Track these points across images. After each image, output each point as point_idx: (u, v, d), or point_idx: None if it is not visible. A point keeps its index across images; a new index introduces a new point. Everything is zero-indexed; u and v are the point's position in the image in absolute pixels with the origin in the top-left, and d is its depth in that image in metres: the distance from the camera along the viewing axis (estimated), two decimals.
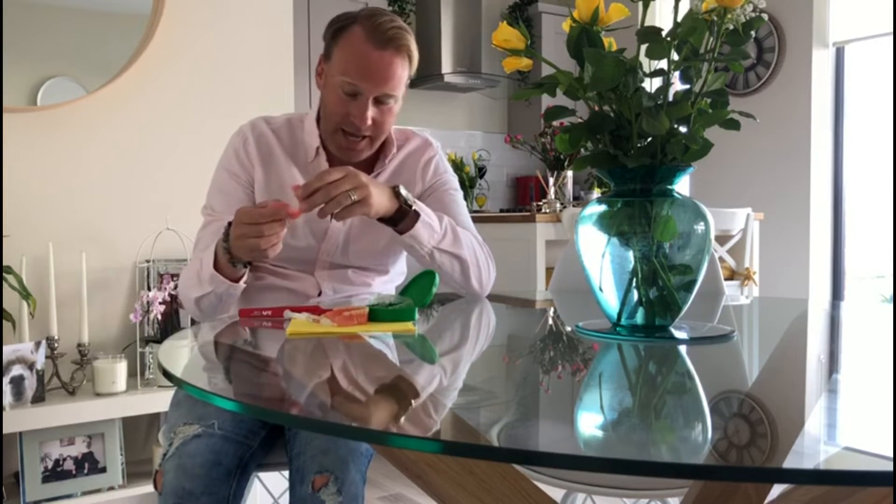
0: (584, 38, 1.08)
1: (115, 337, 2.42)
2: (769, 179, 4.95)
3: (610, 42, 1.10)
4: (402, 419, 0.75)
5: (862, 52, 4.81)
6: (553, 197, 3.75)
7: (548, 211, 3.65)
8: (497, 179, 5.96)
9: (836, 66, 4.88)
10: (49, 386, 2.21)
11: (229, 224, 1.35)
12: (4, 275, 2.10)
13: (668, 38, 1.05)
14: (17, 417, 2.08)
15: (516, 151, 5.45)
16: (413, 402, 0.83)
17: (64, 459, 2.20)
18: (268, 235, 1.28)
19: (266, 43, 2.65)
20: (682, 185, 1.15)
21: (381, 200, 1.37)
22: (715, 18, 1.05)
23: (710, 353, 1.07)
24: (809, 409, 0.80)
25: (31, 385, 2.12)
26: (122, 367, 2.26)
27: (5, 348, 2.07)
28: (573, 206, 3.69)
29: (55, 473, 2.18)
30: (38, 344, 2.14)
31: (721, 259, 3.51)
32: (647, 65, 1.07)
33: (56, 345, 2.23)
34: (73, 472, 2.21)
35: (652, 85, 1.07)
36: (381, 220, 1.42)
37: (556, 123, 3.39)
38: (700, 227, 1.09)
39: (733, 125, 1.07)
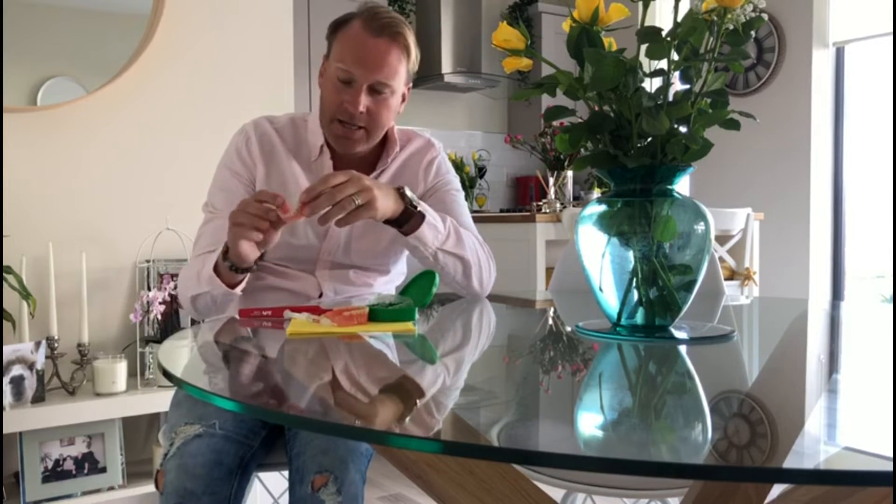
0: (584, 38, 1.08)
1: (115, 337, 2.42)
2: (769, 179, 4.95)
3: (610, 42, 1.10)
4: (403, 419, 0.75)
5: (862, 52, 4.81)
6: (553, 197, 3.75)
7: (548, 211, 3.65)
8: (497, 179, 5.96)
9: (836, 66, 4.87)
10: (49, 386, 2.21)
11: None
12: (4, 275, 2.10)
13: (668, 38, 1.05)
14: (17, 417, 2.08)
15: (516, 151, 5.45)
16: (413, 402, 0.83)
17: (64, 459, 2.20)
18: (252, 230, 1.27)
19: (266, 43, 2.65)
20: (682, 185, 1.15)
21: (386, 203, 1.35)
22: (715, 18, 1.05)
23: (710, 353, 1.07)
24: (809, 409, 0.80)
25: (31, 385, 2.12)
26: (122, 367, 2.26)
27: (5, 348, 2.07)
28: (573, 206, 3.69)
29: (55, 473, 2.18)
30: (38, 344, 2.14)
31: (721, 259, 3.51)
32: (647, 65, 1.07)
33: (56, 345, 2.23)
34: (73, 472, 2.20)
35: (652, 85, 1.07)
36: (387, 221, 1.40)
37: (556, 123, 3.39)
38: (700, 227, 1.09)
39: (733, 125, 1.07)
